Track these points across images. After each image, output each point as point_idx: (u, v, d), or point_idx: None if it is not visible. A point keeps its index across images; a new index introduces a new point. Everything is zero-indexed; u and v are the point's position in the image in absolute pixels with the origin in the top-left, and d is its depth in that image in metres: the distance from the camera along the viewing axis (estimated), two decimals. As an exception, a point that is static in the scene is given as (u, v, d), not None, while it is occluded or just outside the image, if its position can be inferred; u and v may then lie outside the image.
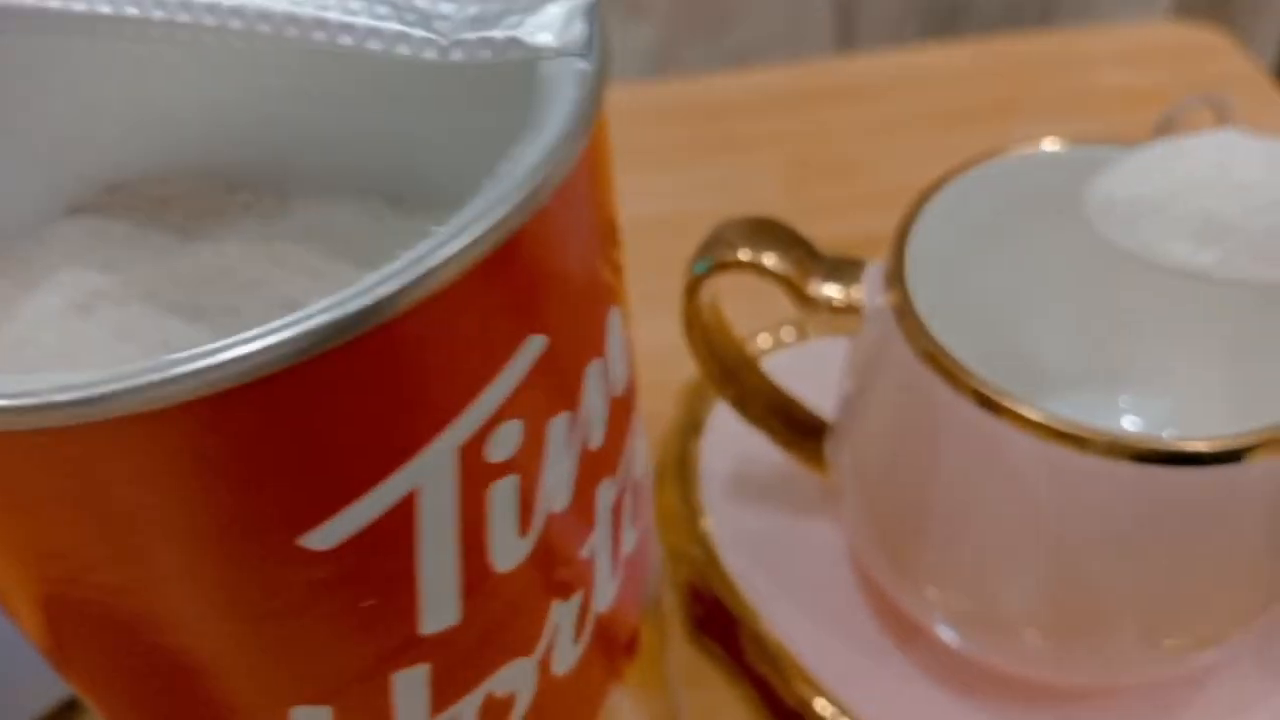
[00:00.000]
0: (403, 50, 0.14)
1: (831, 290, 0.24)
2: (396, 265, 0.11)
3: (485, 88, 0.18)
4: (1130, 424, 0.28)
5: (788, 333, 0.32)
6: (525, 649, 0.15)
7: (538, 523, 0.14)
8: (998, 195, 0.25)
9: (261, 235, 0.19)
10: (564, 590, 0.16)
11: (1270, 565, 0.22)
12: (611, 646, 0.18)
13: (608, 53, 0.13)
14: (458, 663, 0.15)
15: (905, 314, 0.22)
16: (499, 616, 0.15)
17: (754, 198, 0.42)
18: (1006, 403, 0.20)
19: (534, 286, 0.12)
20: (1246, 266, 0.21)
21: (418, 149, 0.20)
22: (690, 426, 0.31)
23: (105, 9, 0.15)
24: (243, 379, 0.10)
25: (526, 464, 0.13)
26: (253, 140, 0.20)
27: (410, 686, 0.14)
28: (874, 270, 0.24)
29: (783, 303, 0.25)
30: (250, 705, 0.14)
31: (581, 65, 0.13)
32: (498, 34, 0.14)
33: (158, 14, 0.15)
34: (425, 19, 0.14)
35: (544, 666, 0.16)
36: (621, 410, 0.16)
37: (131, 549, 0.12)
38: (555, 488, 0.14)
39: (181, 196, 0.20)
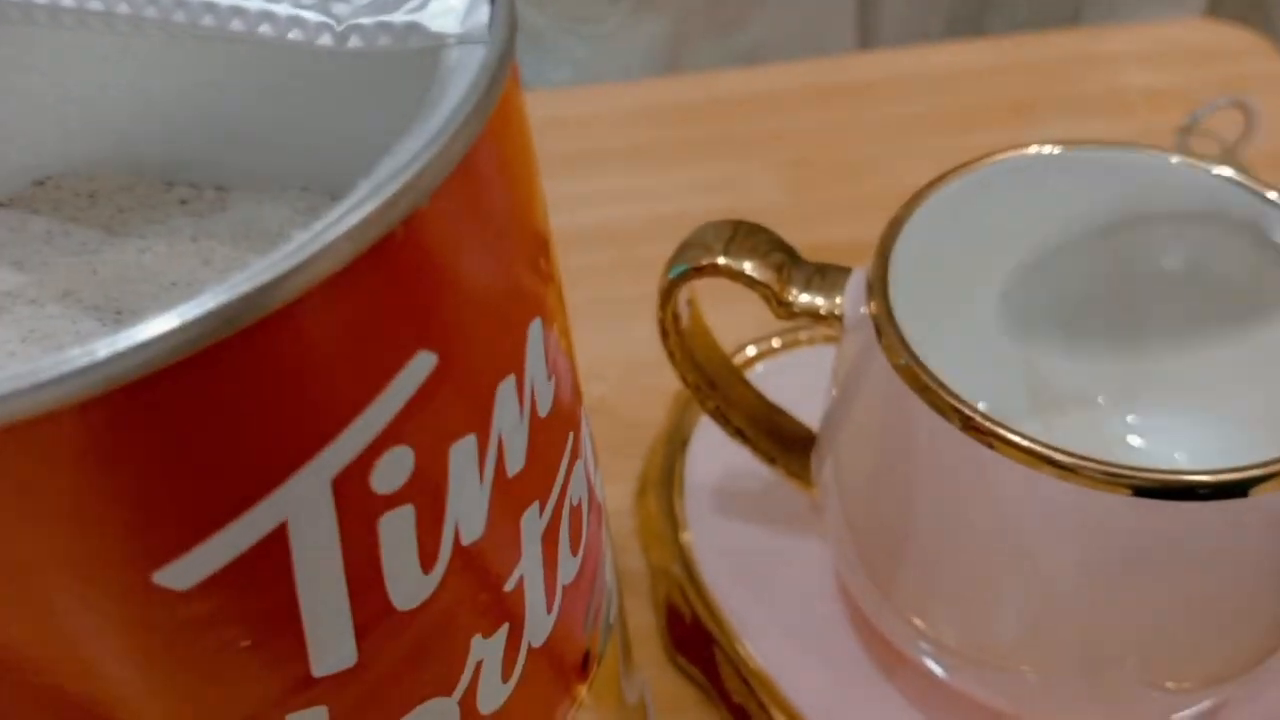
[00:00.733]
0: (296, 35, 0.13)
1: (812, 298, 0.22)
2: (248, 271, 0.10)
3: (426, 82, 0.17)
4: (1136, 444, 0.27)
5: (776, 342, 0.31)
6: (444, 688, 0.14)
7: (444, 556, 0.13)
8: (995, 199, 0.23)
9: (192, 233, 0.18)
10: (487, 626, 0.14)
11: (1274, 603, 0.21)
12: (556, 675, 0.17)
13: (512, 39, 0.12)
14: (362, 705, 0.13)
15: (885, 325, 0.20)
16: (406, 655, 0.13)
17: (758, 199, 0.40)
18: (990, 425, 0.19)
19: (420, 295, 0.11)
20: None
21: (359, 146, 0.18)
22: (677, 436, 0.30)
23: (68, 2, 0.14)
24: (71, 397, 0.09)
25: (424, 493, 0.12)
26: (191, 134, 0.19)
27: (307, 731, 0.13)
28: (858, 278, 0.22)
29: (768, 314, 0.24)
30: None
31: (483, 52, 0.12)
32: (397, 18, 0.12)
33: (67, 2, 0.14)
34: (323, 3, 0.13)
35: (468, 706, 0.15)
36: (553, 430, 0.15)
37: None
38: (465, 518, 0.13)
39: (111, 192, 0.19)
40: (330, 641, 0.12)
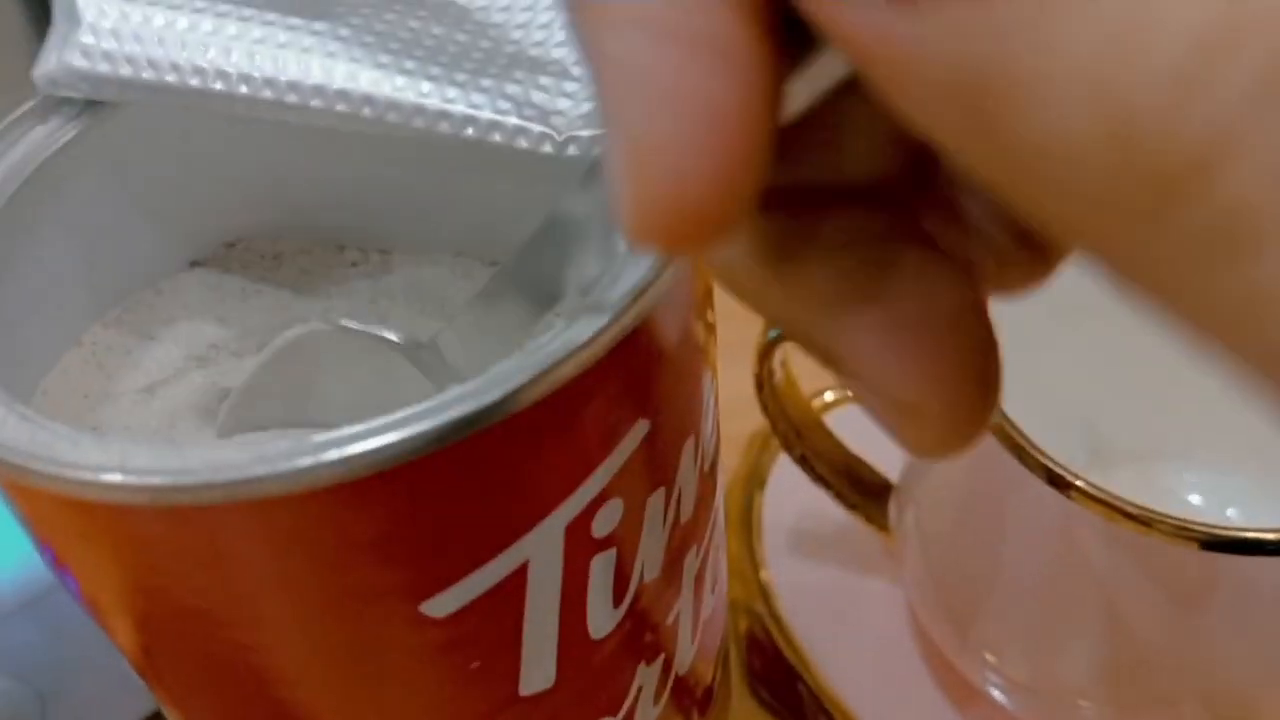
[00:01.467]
0: (521, 144, 0.15)
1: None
2: (521, 360, 0.12)
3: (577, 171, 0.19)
4: (1195, 500, 0.29)
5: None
6: (612, 710, 0.16)
7: (631, 592, 0.15)
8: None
9: (369, 294, 0.20)
10: (650, 655, 0.16)
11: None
12: (688, 703, 0.19)
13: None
14: (552, 722, 0.15)
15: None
16: (590, 679, 0.15)
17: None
18: (1074, 480, 0.21)
19: (645, 375, 0.13)
20: None
21: (512, 216, 0.21)
22: (755, 478, 0.32)
23: (243, 90, 0.16)
24: (380, 466, 0.11)
25: (625, 538, 0.14)
26: (359, 204, 0.21)
27: (507, 743, 0.15)
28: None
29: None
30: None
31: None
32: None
33: (291, 98, 0.16)
34: (543, 115, 0.15)
35: (628, 726, 0.17)
36: (708, 482, 0.17)
37: (263, 612, 0.13)
38: (649, 559, 0.15)
39: (293, 253, 0.21)
40: (539, 665, 0.14)
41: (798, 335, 0.11)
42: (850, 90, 0.09)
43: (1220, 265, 0.07)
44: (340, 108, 0.15)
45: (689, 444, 0.15)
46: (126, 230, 0.18)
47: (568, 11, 0.09)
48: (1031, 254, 0.12)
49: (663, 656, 0.17)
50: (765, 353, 0.26)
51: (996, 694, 0.25)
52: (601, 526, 0.14)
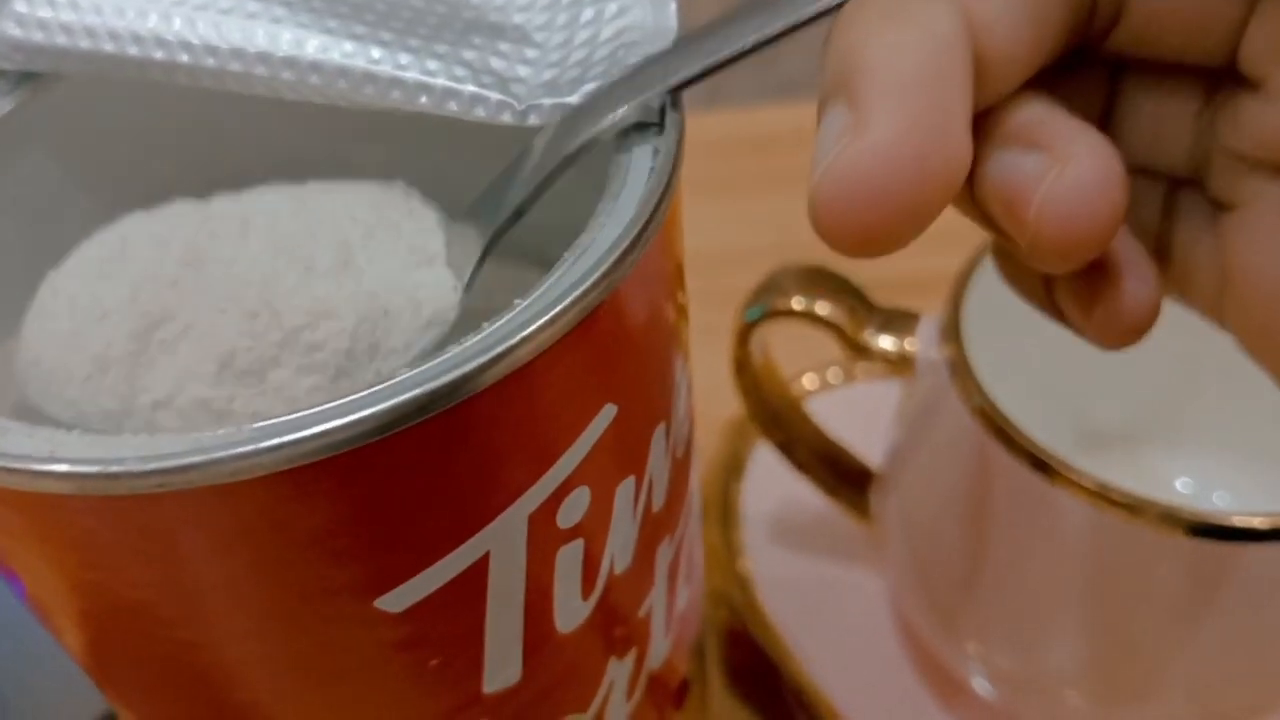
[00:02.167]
0: (479, 113, 0.14)
1: (884, 341, 0.24)
2: (476, 342, 0.11)
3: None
4: (1184, 485, 0.28)
5: (834, 374, 0.32)
6: (581, 706, 0.15)
7: (600, 585, 0.14)
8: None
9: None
10: (621, 649, 0.16)
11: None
12: (662, 699, 0.18)
13: (683, 125, 0.13)
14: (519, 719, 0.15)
15: (960, 370, 0.22)
16: (558, 675, 0.15)
17: (799, 234, 0.42)
18: (1060, 467, 0.20)
19: (610, 357, 0.13)
20: None
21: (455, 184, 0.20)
22: (733, 466, 0.31)
23: (184, 58, 0.15)
24: (324, 454, 0.11)
25: (593, 528, 0.13)
26: (315, 177, 0.20)
27: (469, 743, 0.14)
28: (929, 322, 0.23)
29: (829, 345, 0.25)
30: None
31: (658, 140, 0.13)
32: (574, 100, 0.14)
33: (234, 66, 0.15)
34: (502, 82, 0.14)
35: (597, 722, 0.16)
36: (682, 469, 0.16)
37: (207, 609, 0.12)
38: (619, 550, 0.14)
39: None
40: (503, 661, 0.14)
41: None
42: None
43: None
44: (286, 75, 0.14)
45: (659, 430, 0.14)
46: (69, 209, 0.17)
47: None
48: None
49: (635, 651, 0.16)
50: (744, 335, 0.25)
51: (980, 685, 0.25)
52: (567, 517, 0.13)
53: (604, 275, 0.12)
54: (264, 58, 0.15)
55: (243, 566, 0.11)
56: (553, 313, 0.11)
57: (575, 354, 0.12)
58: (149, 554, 0.11)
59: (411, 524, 0.12)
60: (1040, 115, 0.11)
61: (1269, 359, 0.12)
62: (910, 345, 0.24)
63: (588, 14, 0.14)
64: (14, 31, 0.15)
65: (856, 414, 0.28)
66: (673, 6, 0.14)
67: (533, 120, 0.14)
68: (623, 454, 0.14)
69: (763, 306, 0.24)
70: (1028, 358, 0.26)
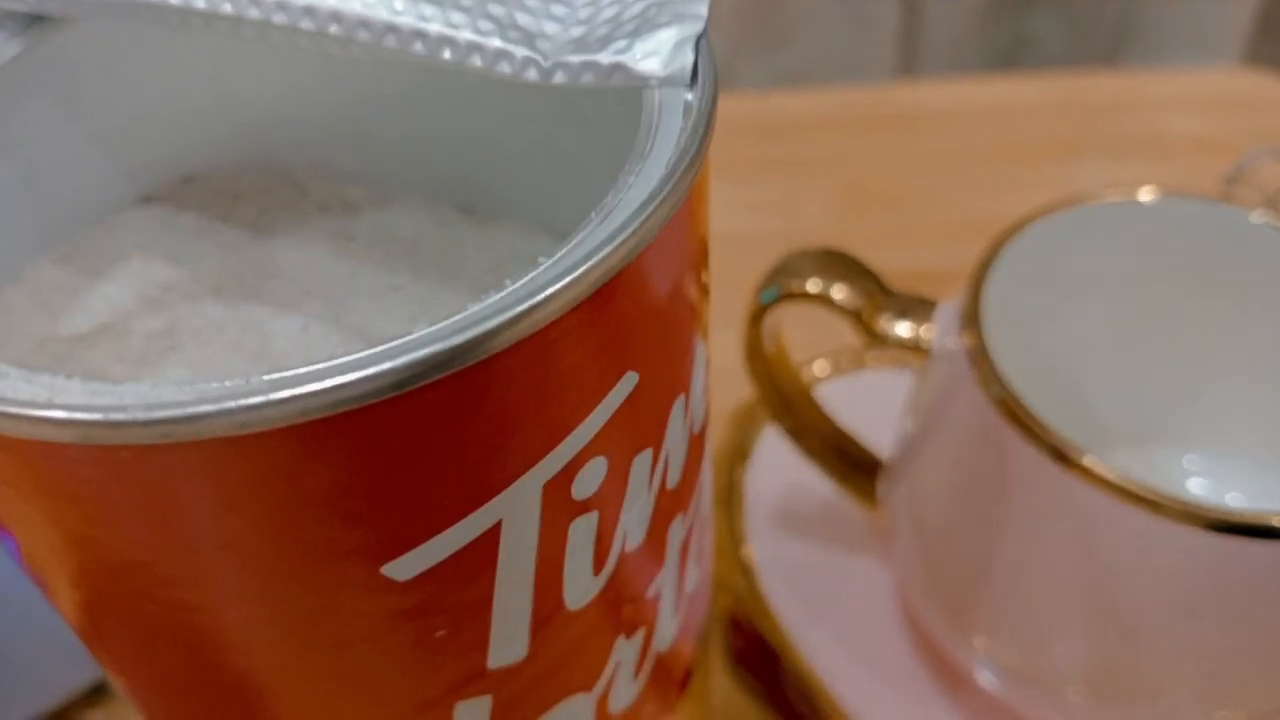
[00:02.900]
0: (504, 69, 0.13)
1: (901, 328, 0.23)
2: (497, 301, 0.11)
3: (572, 104, 0.18)
4: (1197, 485, 0.28)
5: (845, 360, 0.32)
6: (586, 685, 0.15)
7: (612, 560, 0.14)
8: (1080, 241, 0.24)
9: (332, 237, 0.19)
10: (629, 629, 0.15)
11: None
12: (667, 683, 0.18)
13: (716, 84, 0.13)
14: (520, 696, 0.14)
15: (980, 358, 0.21)
16: (565, 652, 0.14)
17: (808, 221, 0.41)
18: (1081, 459, 0.20)
19: (633, 323, 0.12)
20: None
21: (492, 158, 0.19)
22: (739, 451, 0.31)
23: (199, 4, 0.15)
24: (339, 408, 0.10)
25: (608, 501, 0.13)
26: (327, 142, 0.20)
27: (471, 718, 0.14)
28: (946, 310, 0.23)
29: (839, 330, 0.25)
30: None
31: (689, 96, 0.13)
32: (603, 58, 0.13)
33: (252, 13, 0.15)
34: (528, 38, 0.14)
35: (602, 704, 0.16)
36: (697, 447, 0.16)
37: (209, 569, 0.11)
38: (632, 525, 0.14)
39: (254, 192, 0.20)
40: (511, 636, 0.13)
41: None
42: None
43: None
44: (305, 24, 0.14)
45: (679, 402, 0.14)
46: (75, 159, 0.17)
47: None
48: None
49: (643, 631, 0.16)
50: (757, 317, 0.24)
51: (986, 679, 0.24)
52: (583, 487, 0.12)
53: (631, 236, 0.11)
54: (282, 5, 0.14)
55: (247, 524, 0.11)
56: (577, 273, 0.11)
57: (598, 317, 0.11)
58: (150, 509, 0.11)
59: (423, 487, 0.11)
60: None
61: None
62: (927, 332, 0.23)
63: (618, -29, 0.14)
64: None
65: (866, 402, 0.28)
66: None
67: (558, 78, 0.13)
68: (641, 424, 0.13)
69: (777, 289, 0.24)
70: (1042, 350, 0.26)
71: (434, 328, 0.10)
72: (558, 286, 0.11)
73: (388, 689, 0.13)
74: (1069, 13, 0.67)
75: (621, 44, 0.13)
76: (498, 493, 0.12)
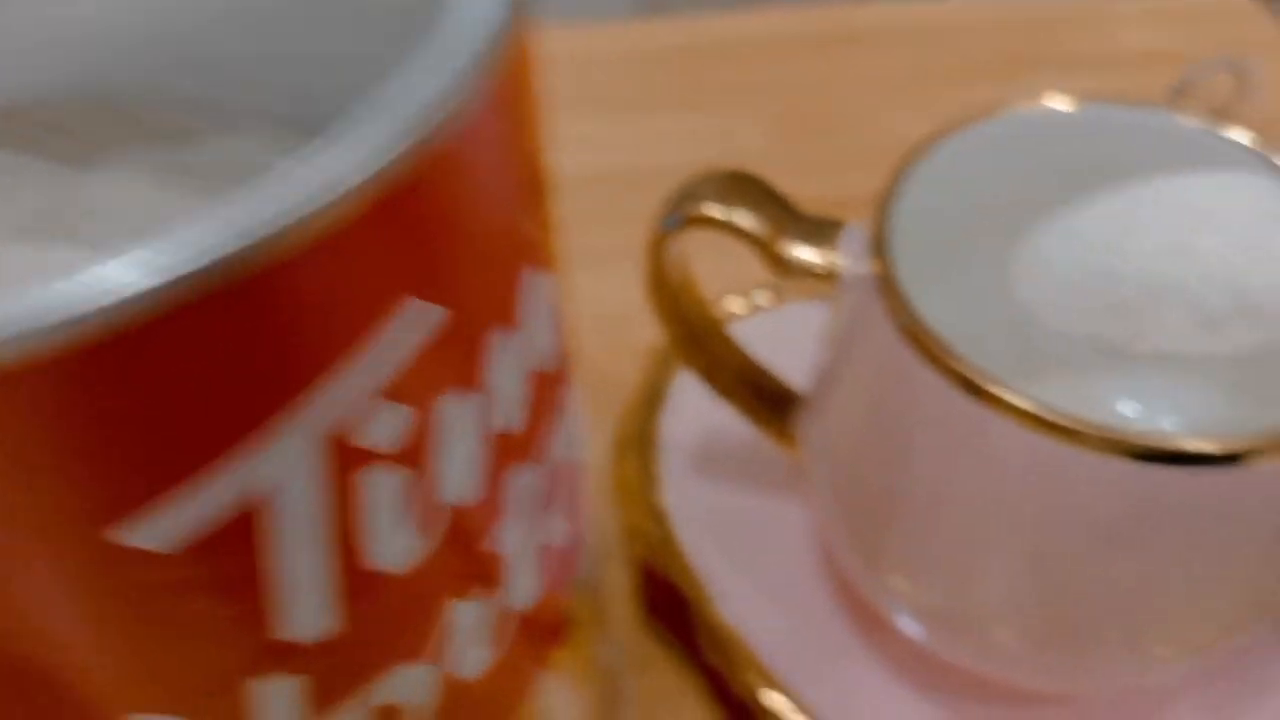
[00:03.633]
0: None
1: (808, 253, 0.22)
2: (242, 216, 0.09)
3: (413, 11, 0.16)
4: (1129, 410, 0.26)
5: (762, 296, 0.30)
6: (414, 654, 0.13)
7: (431, 516, 0.12)
8: (996, 156, 0.23)
9: (165, 168, 0.17)
10: (469, 589, 0.14)
11: (1265, 572, 0.20)
12: (537, 640, 0.17)
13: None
14: (336, 671, 0.13)
15: (887, 285, 0.20)
16: (387, 620, 0.13)
17: (745, 149, 0.39)
18: (994, 388, 0.18)
19: (421, 241, 0.10)
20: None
21: (342, 76, 0.17)
22: (654, 394, 0.29)
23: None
24: (34, 353, 0.08)
25: (415, 451, 0.11)
26: (161, 66, 0.18)
27: (277, 697, 0.12)
28: (855, 232, 0.21)
29: (757, 263, 0.23)
30: (83, 710, 0.12)
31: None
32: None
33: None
34: None
35: (447, 672, 0.14)
36: (547, 386, 0.14)
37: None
38: (455, 477, 0.12)
39: (79, 123, 0.18)
40: (308, 606, 0.12)
41: None
42: None
43: None
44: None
45: (496, 339, 0.12)
46: None
47: None
48: None
49: (489, 590, 0.14)
50: (658, 246, 0.23)
51: (908, 625, 0.23)
52: (376, 435, 0.11)
53: (427, 130, 0.09)
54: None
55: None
56: (353, 171, 0.09)
57: (370, 233, 0.10)
58: None
59: (155, 441, 0.09)
60: None
61: None
62: (836, 257, 0.22)
63: None
64: None
65: (785, 338, 0.26)
66: None
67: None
68: (447, 363, 0.11)
69: (678, 215, 0.22)
70: (964, 275, 0.24)
71: (156, 245, 0.09)
72: (316, 205, 0.09)
73: (165, 667, 0.12)
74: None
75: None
76: (260, 444, 0.10)
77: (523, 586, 0.15)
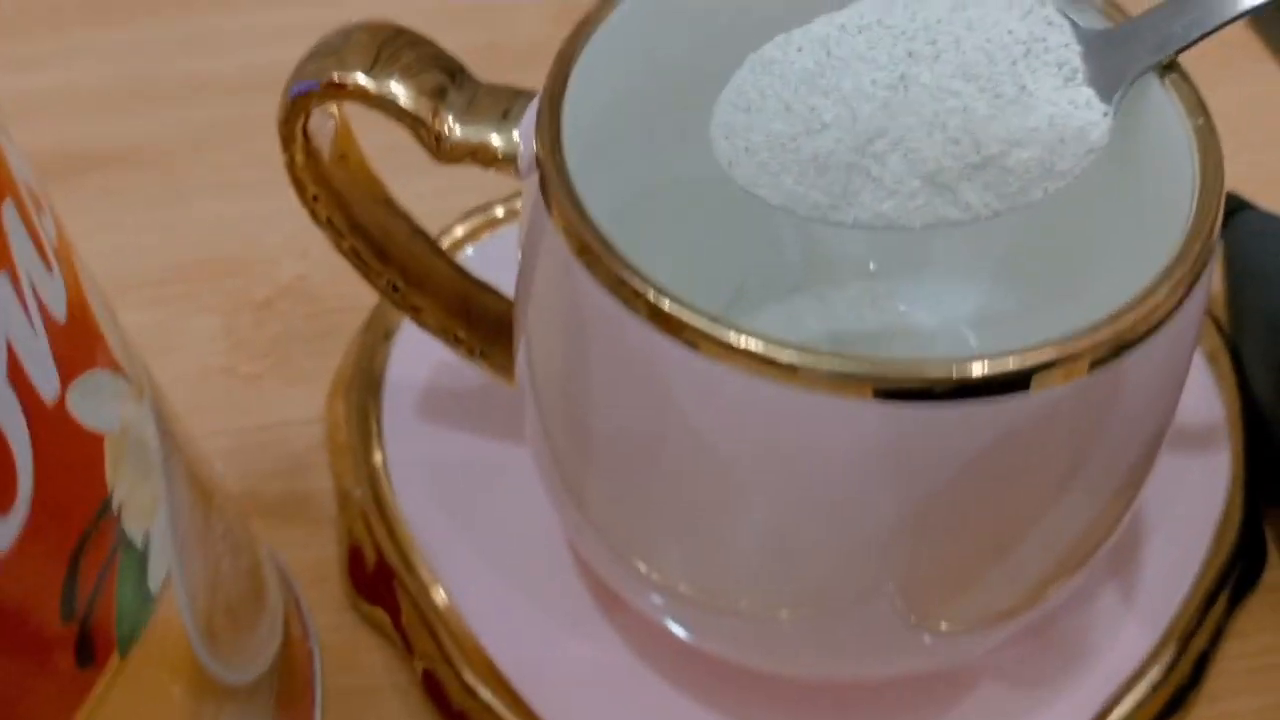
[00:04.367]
0: None
1: (476, 132, 0.16)
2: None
3: None
4: (921, 319, 0.22)
5: (503, 209, 0.25)
6: None
7: None
8: (692, 18, 0.18)
9: None
10: None
11: (1056, 527, 0.16)
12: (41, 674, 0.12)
13: None
14: None
15: (551, 170, 0.14)
16: None
17: (517, 34, 0.34)
18: (682, 313, 0.13)
19: None
20: None
21: None
22: (379, 327, 0.24)
23: None
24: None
25: None
26: None
27: None
28: (534, 112, 0.16)
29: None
30: None
31: None
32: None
33: None
34: None
35: None
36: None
37: None
38: None
39: None
40: None
41: None
42: None
43: None
44: None
45: None
46: None
47: None
48: None
49: None
50: (290, 121, 0.17)
51: (643, 603, 0.18)
52: None
53: None
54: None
55: None
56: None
57: None
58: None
59: None
60: None
61: None
62: (517, 138, 0.16)
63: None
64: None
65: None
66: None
67: None
68: None
69: (311, 80, 0.17)
70: (651, 150, 0.19)
71: None
72: None
73: None
74: None
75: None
76: None
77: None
